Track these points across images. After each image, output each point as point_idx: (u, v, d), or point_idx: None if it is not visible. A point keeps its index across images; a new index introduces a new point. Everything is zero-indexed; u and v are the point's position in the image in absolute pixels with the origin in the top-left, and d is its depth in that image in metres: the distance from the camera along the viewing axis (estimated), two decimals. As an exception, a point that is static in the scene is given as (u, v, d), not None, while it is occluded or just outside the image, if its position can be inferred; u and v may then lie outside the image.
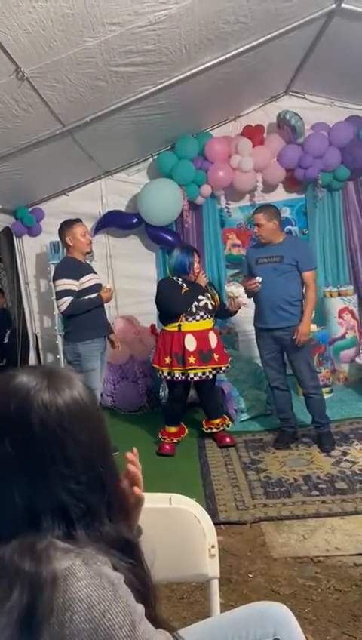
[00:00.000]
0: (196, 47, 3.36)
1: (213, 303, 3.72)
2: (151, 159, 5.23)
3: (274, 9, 3.28)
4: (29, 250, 5.46)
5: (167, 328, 3.72)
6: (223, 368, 3.74)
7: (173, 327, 3.68)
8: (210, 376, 3.70)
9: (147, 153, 5.18)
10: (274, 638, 1.05)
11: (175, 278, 3.71)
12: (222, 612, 1.32)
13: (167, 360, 3.66)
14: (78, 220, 3.78)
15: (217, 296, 3.79)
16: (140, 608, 0.76)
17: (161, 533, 1.22)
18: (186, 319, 3.64)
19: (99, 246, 5.34)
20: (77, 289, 3.58)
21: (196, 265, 3.69)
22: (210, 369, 3.66)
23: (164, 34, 3.02)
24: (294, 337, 3.46)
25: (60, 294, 3.57)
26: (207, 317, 3.70)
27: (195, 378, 3.63)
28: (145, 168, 5.28)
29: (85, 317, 3.59)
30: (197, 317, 3.65)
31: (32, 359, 5.47)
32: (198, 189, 5.01)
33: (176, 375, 3.64)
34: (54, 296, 3.92)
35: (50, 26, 2.55)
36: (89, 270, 3.76)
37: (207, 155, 4.92)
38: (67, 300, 3.53)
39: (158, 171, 5.06)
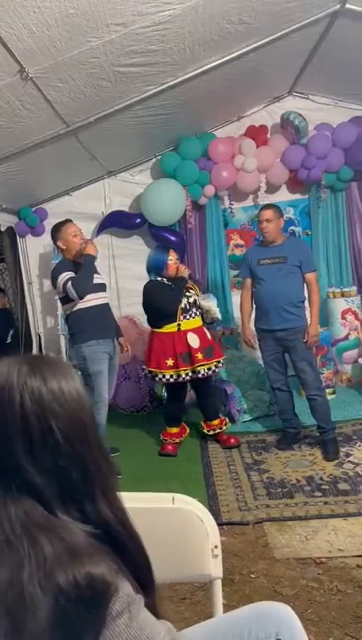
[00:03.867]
0: (200, 48, 3.36)
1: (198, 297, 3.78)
2: (154, 159, 5.23)
3: (278, 10, 3.27)
4: (32, 250, 5.47)
5: (163, 330, 3.68)
6: (221, 362, 3.75)
7: (170, 328, 3.66)
8: (216, 370, 3.73)
9: (150, 153, 5.17)
10: (276, 638, 1.05)
11: (158, 278, 3.73)
12: (224, 612, 1.32)
13: (170, 362, 3.62)
14: (68, 220, 3.61)
15: (197, 288, 3.84)
16: (139, 598, 0.76)
17: (163, 533, 1.22)
18: (184, 317, 3.66)
19: (102, 246, 5.31)
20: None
21: (172, 261, 3.71)
22: (215, 363, 3.69)
23: (168, 34, 3.02)
24: (305, 340, 3.48)
25: (65, 285, 3.38)
26: (198, 313, 3.75)
27: (204, 374, 3.64)
28: (149, 168, 5.28)
29: (89, 318, 3.47)
30: (192, 314, 3.69)
31: (35, 359, 5.47)
32: (202, 189, 5.01)
33: (183, 375, 3.61)
34: (57, 297, 3.80)
35: (54, 26, 2.55)
36: None
37: (211, 155, 4.92)
38: (68, 283, 3.35)
39: (162, 171, 5.06)
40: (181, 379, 3.63)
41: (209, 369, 3.64)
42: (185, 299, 3.68)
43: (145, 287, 3.75)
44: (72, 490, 0.80)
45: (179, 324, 3.65)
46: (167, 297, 3.62)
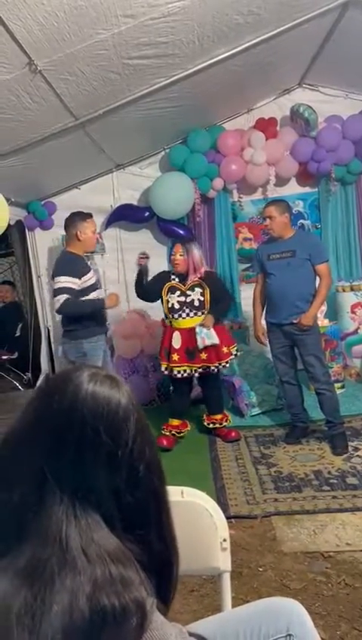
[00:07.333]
0: (209, 40, 3.33)
1: (203, 298, 3.66)
2: (163, 152, 5.21)
3: (288, 0, 3.24)
4: (41, 243, 5.47)
5: (166, 321, 3.84)
6: (212, 368, 3.68)
7: (168, 322, 3.79)
8: (195, 374, 3.72)
9: (159, 146, 5.15)
10: (287, 634, 1.05)
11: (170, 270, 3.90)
12: (232, 605, 1.32)
13: (163, 353, 3.79)
14: (91, 215, 3.58)
15: (208, 291, 3.67)
16: (151, 600, 0.76)
17: (172, 526, 1.22)
18: (172, 316, 3.69)
19: (111, 240, 5.35)
20: (77, 288, 3.32)
21: (175, 257, 3.70)
22: (196, 367, 3.66)
23: (178, 26, 3.00)
24: (297, 321, 3.44)
25: (57, 292, 3.28)
26: (197, 314, 3.66)
27: (178, 375, 3.67)
28: (157, 162, 5.26)
29: (93, 313, 3.41)
30: (183, 314, 3.67)
31: (44, 352, 5.50)
32: (210, 182, 4.99)
33: (163, 369, 3.76)
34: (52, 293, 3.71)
35: (63, 18, 2.54)
36: (89, 268, 3.57)
37: (220, 148, 4.90)
38: (61, 298, 3.24)
39: (170, 165, 5.04)
40: (167, 372, 3.77)
41: (185, 371, 3.67)
42: (180, 298, 3.66)
43: None
44: (142, 517, 0.80)
45: (170, 321, 3.73)
46: (141, 291, 3.79)
